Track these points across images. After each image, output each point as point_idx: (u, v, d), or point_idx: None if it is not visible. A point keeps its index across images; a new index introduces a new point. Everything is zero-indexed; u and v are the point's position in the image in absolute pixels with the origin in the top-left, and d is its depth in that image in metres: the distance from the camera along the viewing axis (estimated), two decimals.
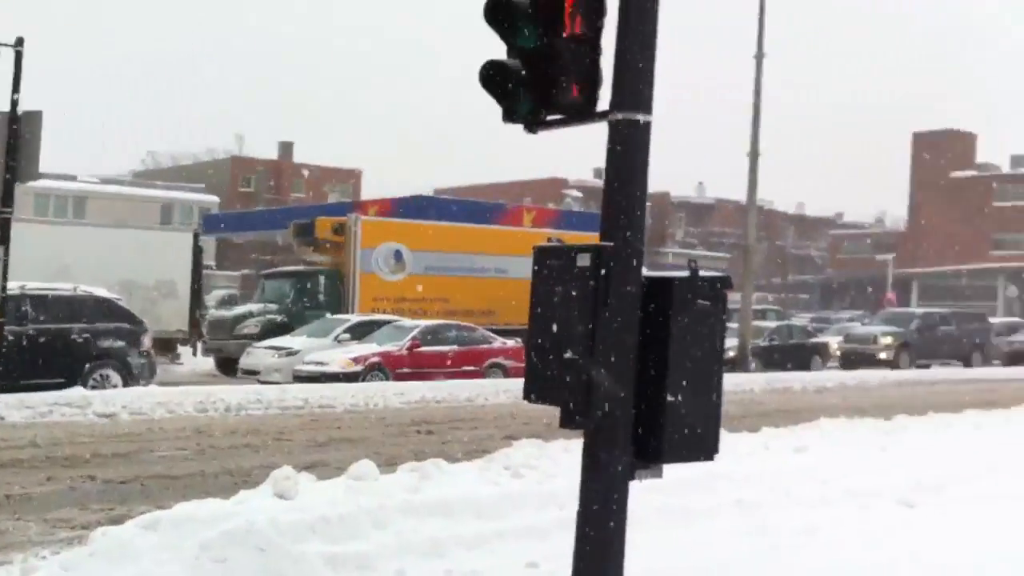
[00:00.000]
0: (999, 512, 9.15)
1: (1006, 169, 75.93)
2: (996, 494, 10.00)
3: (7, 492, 9.40)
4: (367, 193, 65.37)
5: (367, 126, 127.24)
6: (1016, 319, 45.84)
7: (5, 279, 15.54)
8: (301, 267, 28.03)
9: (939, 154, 74.91)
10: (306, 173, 71.25)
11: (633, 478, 5.51)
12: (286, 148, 73.79)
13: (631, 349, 5.30)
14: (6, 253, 15.49)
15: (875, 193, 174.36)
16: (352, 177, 73.61)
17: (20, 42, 15.81)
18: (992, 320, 41.73)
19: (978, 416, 14.60)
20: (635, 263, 5.29)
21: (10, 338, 15.91)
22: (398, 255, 27.26)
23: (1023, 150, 76.66)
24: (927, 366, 33.62)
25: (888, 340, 33.71)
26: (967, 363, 35.19)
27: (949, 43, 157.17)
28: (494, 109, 5.77)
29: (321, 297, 26.41)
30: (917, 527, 8.71)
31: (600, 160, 5.32)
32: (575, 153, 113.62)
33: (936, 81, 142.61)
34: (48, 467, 10.73)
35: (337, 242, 26.93)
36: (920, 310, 41.23)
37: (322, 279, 26.73)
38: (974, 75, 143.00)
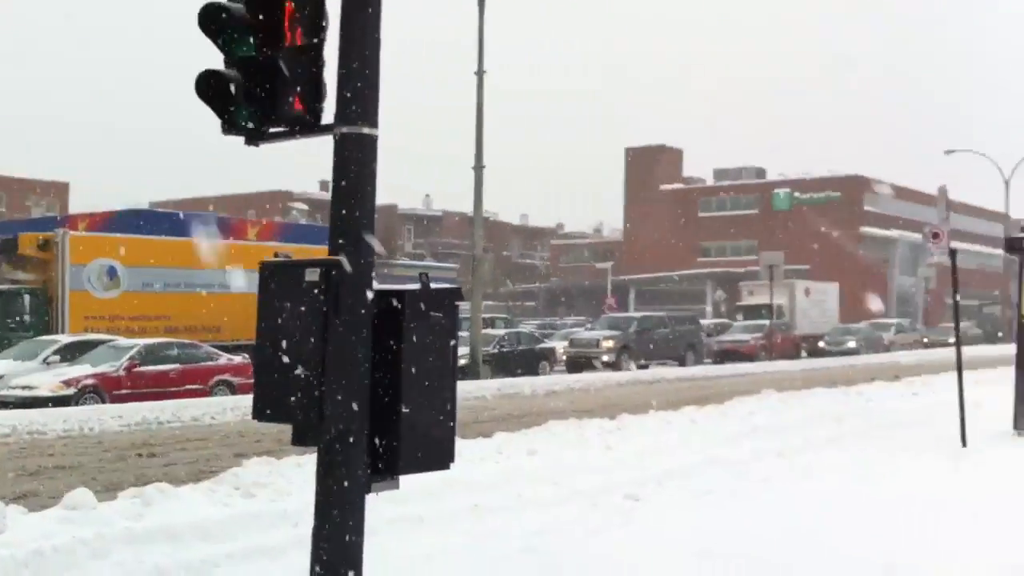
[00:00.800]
0: (714, 503, 9.68)
1: (710, 182, 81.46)
2: (711, 488, 10.60)
3: None
4: (76, 207, 61.70)
5: (74, 136, 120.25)
6: (724, 320, 49.10)
7: None
8: (3, 286, 25.99)
9: (650, 167, 79.39)
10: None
11: (369, 491, 5.42)
12: None
13: (364, 363, 5.22)
14: None
15: (593, 204, 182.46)
16: (57, 190, 69.30)
17: None
18: (703, 321, 44.54)
19: (694, 412, 15.40)
20: (365, 277, 5.22)
21: None
22: (111, 271, 25.84)
23: (725, 164, 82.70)
24: (646, 366, 35.33)
25: (610, 343, 35.18)
26: (682, 362, 37.29)
27: (657, 61, 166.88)
28: (215, 120, 5.52)
29: (26, 317, 24.64)
30: (641, 518, 9.06)
31: (327, 173, 5.20)
32: (301, 165, 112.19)
33: (647, 97, 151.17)
34: None
35: (43, 259, 25.20)
36: (638, 314, 43.42)
37: (27, 298, 24.95)
38: (680, 92, 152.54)
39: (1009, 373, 13.91)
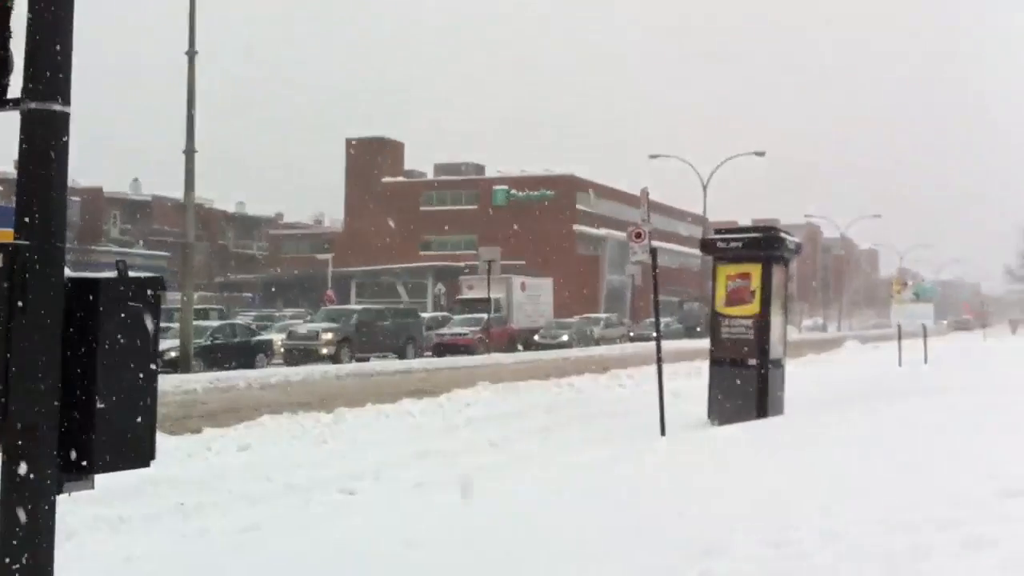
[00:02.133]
0: (426, 494, 9.76)
1: (431, 176, 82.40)
2: (424, 479, 10.69)
3: None
4: None
5: None
6: (444, 313, 49.76)
7: None
8: None
9: (371, 160, 79.33)
10: None
11: (61, 491, 5.07)
12: None
13: (54, 355, 4.86)
14: None
15: (314, 195, 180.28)
16: None
17: None
18: (423, 315, 44.93)
19: (412, 404, 15.49)
20: (55, 262, 4.87)
21: None
22: None
23: (446, 159, 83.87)
24: (366, 359, 35.21)
25: (329, 336, 34.80)
26: (402, 355, 37.42)
27: (379, 56, 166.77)
28: None
29: None
30: (355, 512, 9.00)
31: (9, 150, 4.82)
32: None
33: (368, 90, 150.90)
34: None
35: None
36: (359, 307, 43.19)
37: None
38: (402, 85, 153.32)
39: (705, 366, 14.86)
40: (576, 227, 75.17)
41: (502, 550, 6.36)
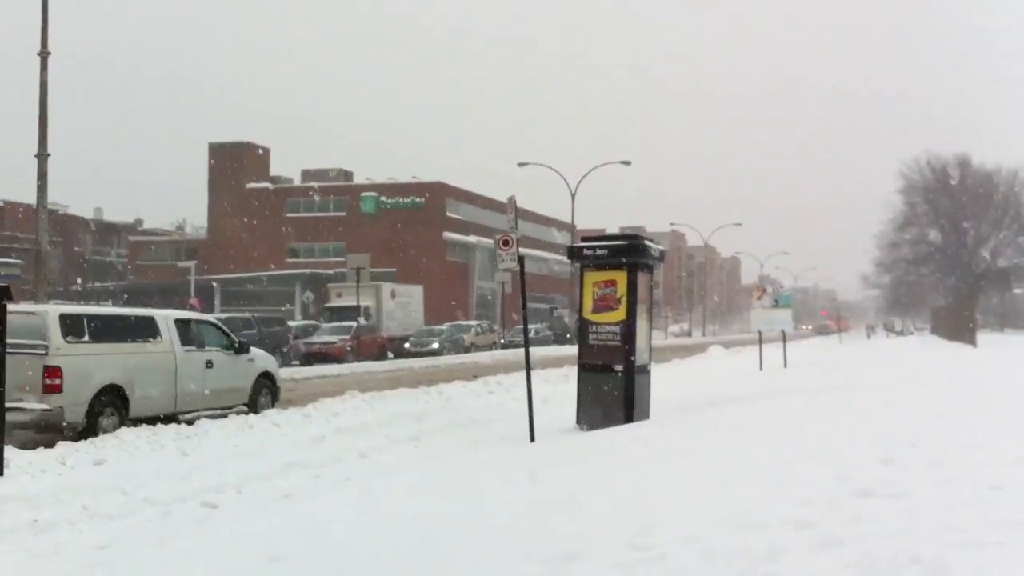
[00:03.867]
0: (292, 506, 9.60)
1: (297, 182, 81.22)
2: (290, 491, 10.53)
3: None
4: None
5: None
6: (312, 321, 49.07)
7: None
8: None
9: (235, 165, 77.78)
10: None
11: None
12: None
13: None
14: None
15: (175, 200, 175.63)
16: None
17: None
18: (291, 323, 44.20)
19: (276, 415, 15.22)
20: None
21: None
22: None
23: (312, 165, 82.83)
24: None
25: None
26: None
27: (246, 60, 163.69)
28: None
29: None
30: (217, 525, 8.79)
31: None
32: None
33: (232, 93, 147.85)
34: None
35: None
36: (223, 315, 42.23)
37: None
38: (266, 90, 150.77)
39: (574, 372, 15.00)
40: (446, 234, 75.20)
41: (367, 559, 6.29)
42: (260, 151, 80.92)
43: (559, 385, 20.46)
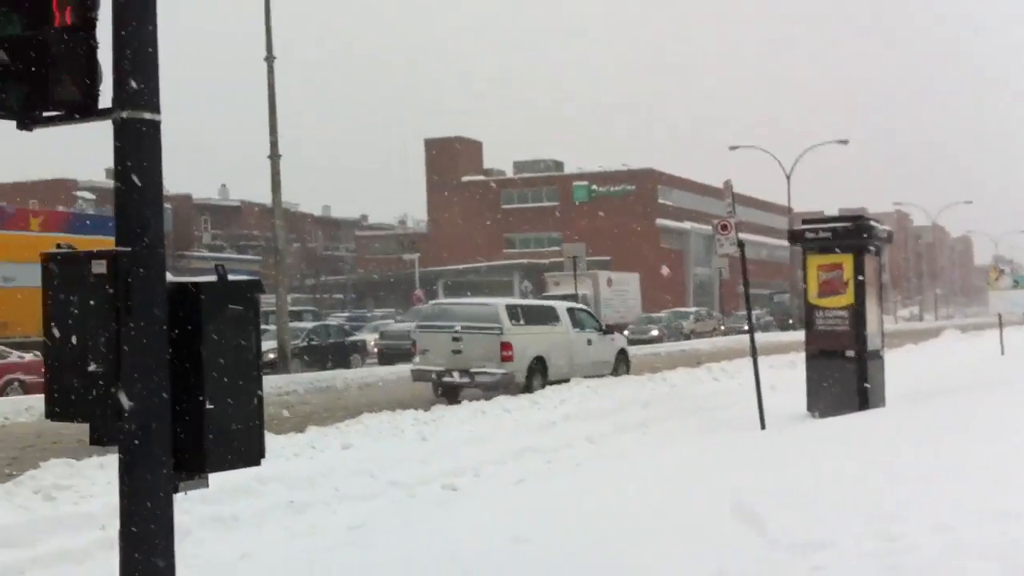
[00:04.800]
0: (529, 489, 9.85)
1: (510, 174, 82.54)
2: (525, 475, 10.79)
3: None
4: None
5: None
6: None
7: None
8: None
9: (450, 159, 79.79)
10: None
11: (177, 491, 5.26)
12: None
13: (161, 358, 5.05)
14: None
15: (396, 196, 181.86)
16: None
17: None
18: None
19: (507, 401, 15.59)
20: (156, 268, 5.03)
21: None
22: None
23: (524, 156, 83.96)
24: None
25: None
26: None
27: (451, 54, 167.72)
28: None
29: None
30: (459, 507, 9.12)
31: (111, 160, 5.00)
32: (85, 151, 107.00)
33: (445, 90, 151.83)
34: None
35: None
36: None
37: None
38: (477, 85, 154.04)
39: (800, 358, 14.73)
40: (659, 221, 74.71)
41: (605, 542, 6.41)
42: (472, 145, 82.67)
43: (785, 371, 20.06)
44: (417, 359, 19.35)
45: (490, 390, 17.74)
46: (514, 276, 67.72)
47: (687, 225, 76.44)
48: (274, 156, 27.54)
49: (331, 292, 75.15)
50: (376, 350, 35.10)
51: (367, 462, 10.87)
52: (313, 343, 30.51)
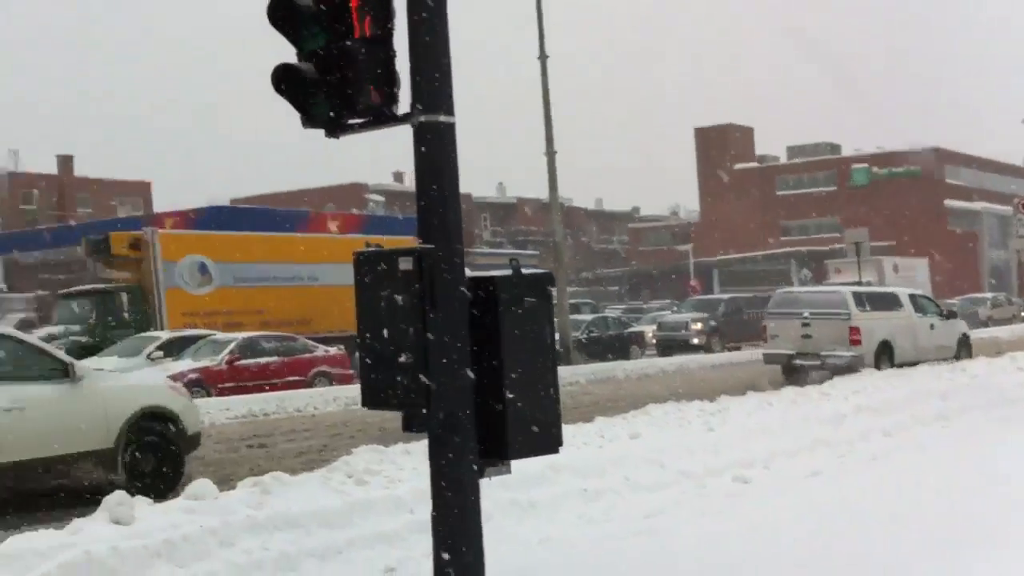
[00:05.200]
0: (824, 483, 9.57)
1: (783, 160, 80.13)
2: (819, 468, 10.48)
3: None
4: (159, 206, 62.79)
5: (149, 136, 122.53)
6: None
7: None
8: (100, 285, 26.59)
9: (722, 147, 78.42)
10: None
11: (483, 476, 5.49)
12: (66, 162, 69.93)
13: (464, 349, 5.28)
14: None
15: (668, 187, 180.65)
16: (141, 190, 70.60)
17: None
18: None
19: (794, 393, 15.22)
20: (457, 263, 5.28)
21: None
22: (203, 267, 26.32)
23: (796, 141, 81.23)
24: (737, 348, 34.88)
25: (699, 326, 34.93)
26: None
27: (719, 43, 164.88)
28: (286, 117, 5.59)
29: (125, 315, 25.13)
30: (752, 500, 8.98)
31: (400, 163, 5.31)
32: (375, 157, 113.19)
33: (713, 78, 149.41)
34: None
35: (135, 257, 25.73)
36: (725, 296, 42.87)
37: (124, 296, 25.48)
38: (745, 72, 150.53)
39: None
40: (947, 202, 70.42)
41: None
42: (744, 132, 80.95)
43: None
44: (768, 344, 21.07)
45: (838, 373, 18.44)
46: (791, 264, 65.85)
47: (979, 206, 71.64)
48: (550, 152, 28.12)
49: (606, 284, 75.82)
50: (654, 341, 35.16)
51: (655, 451, 10.87)
52: (592, 335, 30.99)
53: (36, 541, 6.58)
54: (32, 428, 9.55)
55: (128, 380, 11.64)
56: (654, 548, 7.41)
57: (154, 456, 10.48)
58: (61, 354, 10.61)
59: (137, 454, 10.32)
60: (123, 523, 7.08)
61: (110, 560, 6.23)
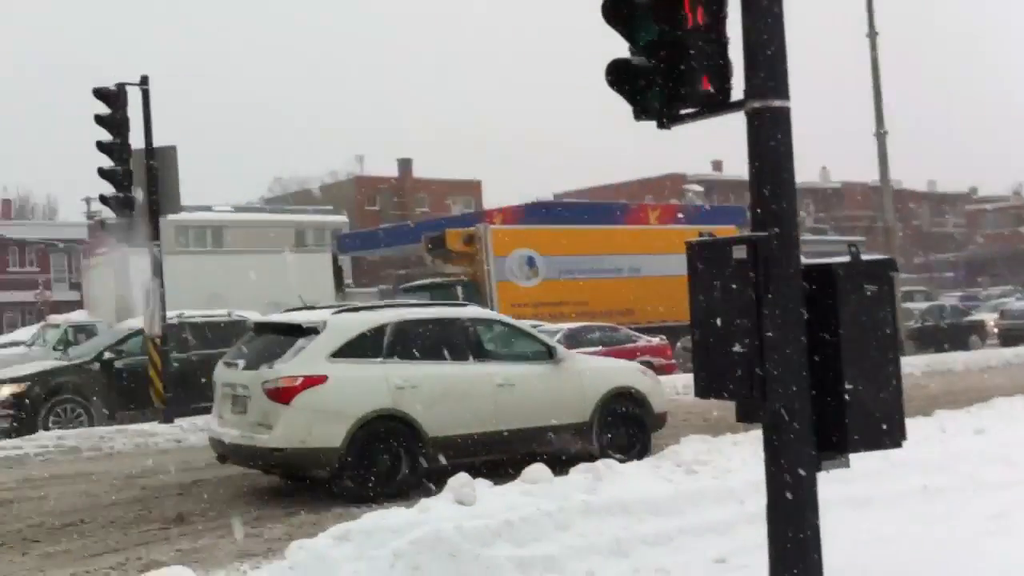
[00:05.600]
0: None
1: None
2: None
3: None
4: (487, 203, 65.48)
5: (480, 137, 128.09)
6: None
7: (164, 309, 16.11)
8: (439, 279, 28.26)
9: None
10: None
11: (820, 469, 5.38)
12: (405, 164, 74.42)
13: (799, 339, 5.18)
14: (161, 285, 16.06)
15: (1011, 164, 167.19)
16: (472, 188, 73.94)
17: (145, 80, 16.35)
18: None
19: None
20: (792, 251, 5.18)
21: (175, 365, 16.43)
22: (531, 261, 27.28)
23: None
24: None
25: None
26: None
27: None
28: (599, 113, 5.69)
29: None
30: None
31: (717, 152, 5.30)
32: (690, 147, 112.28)
33: None
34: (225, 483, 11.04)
35: (468, 252, 27.07)
36: None
37: (460, 289, 26.88)
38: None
39: None
40: None
41: None
42: None
43: None
44: None
45: None
46: None
47: None
48: (880, 133, 26.99)
49: (940, 270, 71.42)
50: (996, 330, 32.81)
51: (1003, 448, 10.21)
52: (927, 324, 29.49)
53: (388, 519, 7.14)
54: (522, 402, 10.91)
55: (602, 363, 12.95)
56: (1005, 550, 6.99)
57: (625, 431, 11.72)
58: (546, 338, 12.11)
59: (610, 429, 11.56)
60: (466, 503, 7.55)
61: (455, 538, 6.66)
